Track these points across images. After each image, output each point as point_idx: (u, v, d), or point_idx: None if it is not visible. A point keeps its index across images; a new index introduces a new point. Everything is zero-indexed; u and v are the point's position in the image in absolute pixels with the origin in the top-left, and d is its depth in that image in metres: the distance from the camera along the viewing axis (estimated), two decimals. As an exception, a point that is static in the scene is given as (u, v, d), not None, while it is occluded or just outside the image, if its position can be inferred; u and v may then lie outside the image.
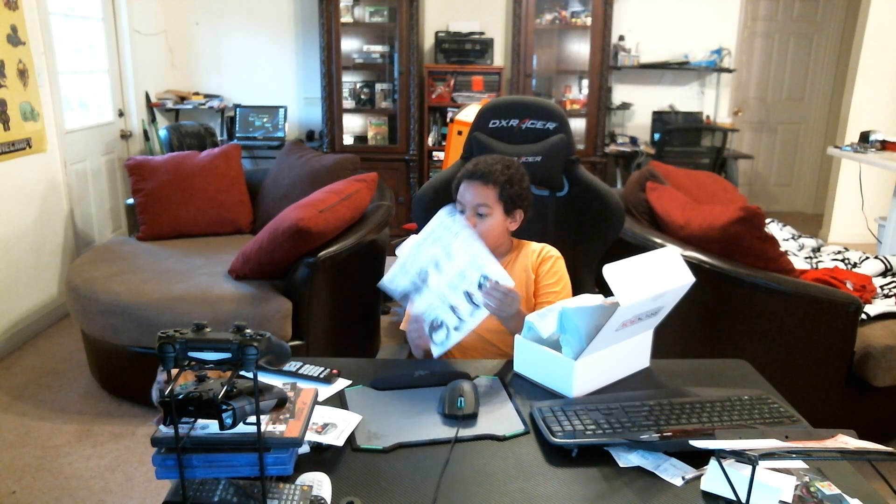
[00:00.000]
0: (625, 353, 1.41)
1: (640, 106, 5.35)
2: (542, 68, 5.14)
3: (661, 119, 5.20)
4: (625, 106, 5.29)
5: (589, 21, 4.88)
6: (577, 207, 2.04)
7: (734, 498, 0.98)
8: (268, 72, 5.26)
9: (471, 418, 1.24)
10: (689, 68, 5.16)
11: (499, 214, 1.68)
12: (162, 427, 0.96)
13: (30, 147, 3.42)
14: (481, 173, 1.67)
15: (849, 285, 2.56)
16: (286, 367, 1.39)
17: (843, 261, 3.05)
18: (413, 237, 1.58)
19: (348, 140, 5.12)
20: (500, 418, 1.25)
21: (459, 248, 1.52)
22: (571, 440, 1.12)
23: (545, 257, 1.74)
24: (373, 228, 2.81)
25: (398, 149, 4.99)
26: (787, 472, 1.03)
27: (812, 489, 1.01)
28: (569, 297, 1.66)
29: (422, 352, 1.63)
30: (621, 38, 5.17)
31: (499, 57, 5.19)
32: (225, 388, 0.90)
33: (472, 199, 1.67)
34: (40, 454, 2.44)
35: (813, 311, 2.27)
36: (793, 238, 3.43)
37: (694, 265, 2.24)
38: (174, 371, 0.89)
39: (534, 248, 1.76)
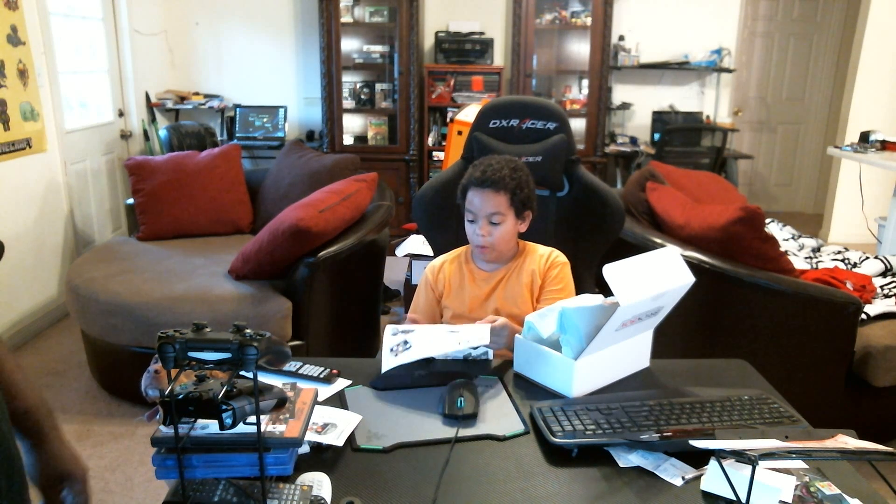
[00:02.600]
0: (625, 353, 1.41)
1: (640, 106, 5.35)
2: (542, 68, 5.14)
3: (661, 119, 5.20)
4: (625, 106, 5.28)
5: (589, 21, 4.87)
6: (578, 208, 2.04)
7: (734, 498, 0.98)
8: (268, 72, 5.25)
9: (471, 418, 1.24)
10: (689, 68, 5.16)
11: (511, 220, 1.66)
12: (162, 427, 0.96)
13: (30, 147, 3.42)
14: (491, 180, 1.62)
15: (849, 285, 2.56)
16: (286, 367, 1.39)
17: (843, 261, 3.05)
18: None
19: (348, 140, 5.11)
20: (500, 418, 1.25)
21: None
22: (571, 440, 1.12)
23: (553, 263, 1.71)
24: (373, 228, 2.81)
25: (398, 149, 4.99)
26: (787, 472, 1.03)
27: (812, 489, 1.01)
28: None
29: None
30: (621, 38, 5.17)
31: (499, 57, 5.19)
32: (225, 388, 0.90)
33: (485, 207, 1.63)
34: (40, 454, 2.44)
35: (813, 311, 2.27)
36: (793, 238, 3.43)
37: (694, 265, 2.24)
38: (174, 371, 0.89)
39: (542, 252, 1.74)
